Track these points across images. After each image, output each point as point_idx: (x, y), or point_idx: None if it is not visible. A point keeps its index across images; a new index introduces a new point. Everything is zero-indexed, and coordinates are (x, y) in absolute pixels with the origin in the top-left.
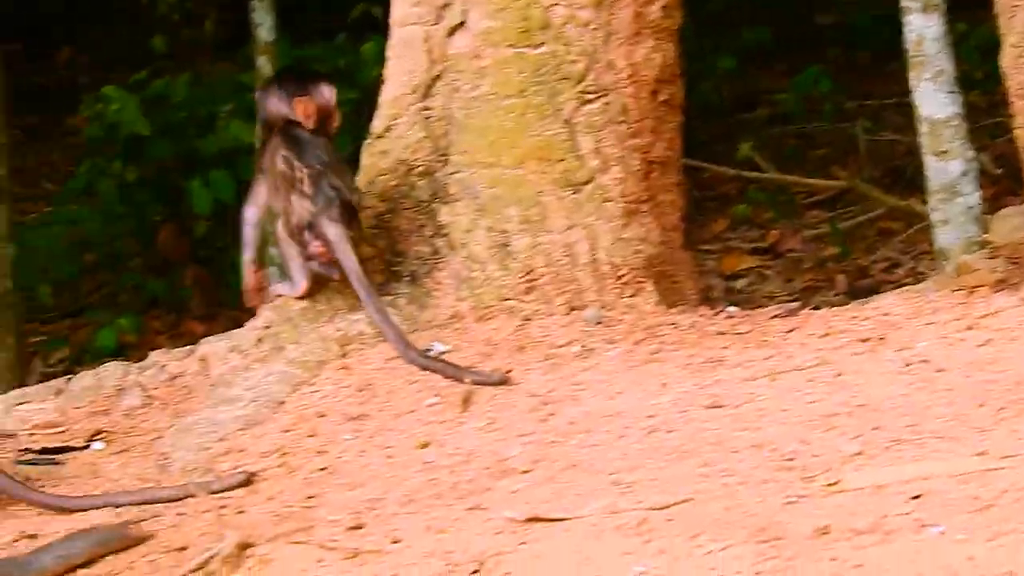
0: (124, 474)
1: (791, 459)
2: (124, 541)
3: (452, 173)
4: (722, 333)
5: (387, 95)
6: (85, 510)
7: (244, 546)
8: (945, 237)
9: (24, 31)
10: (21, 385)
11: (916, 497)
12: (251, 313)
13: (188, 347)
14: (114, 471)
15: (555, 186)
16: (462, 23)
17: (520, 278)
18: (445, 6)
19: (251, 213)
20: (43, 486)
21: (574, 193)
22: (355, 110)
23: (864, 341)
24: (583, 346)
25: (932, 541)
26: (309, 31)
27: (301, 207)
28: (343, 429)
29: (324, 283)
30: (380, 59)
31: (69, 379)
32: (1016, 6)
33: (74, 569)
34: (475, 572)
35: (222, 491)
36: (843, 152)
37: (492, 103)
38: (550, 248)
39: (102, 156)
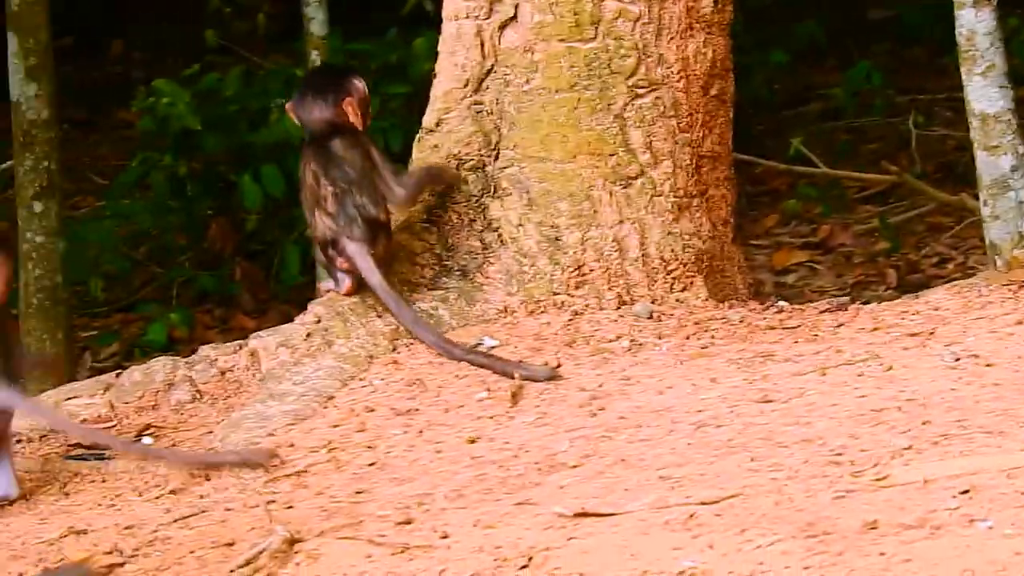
0: (172, 469)
1: (840, 454)
2: None
3: (503, 168)
4: (772, 328)
5: (438, 90)
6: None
7: (292, 541)
8: (995, 232)
9: (75, 25)
10: (71, 380)
11: (965, 492)
12: (301, 308)
13: (238, 342)
14: (161, 466)
15: (606, 180)
16: (514, 17)
17: (570, 273)
18: (497, 0)
19: None
20: (92, 480)
21: (625, 187)
22: (406, 105)
23: (914, 336)
24: (633, 341)
25: (980, 536)
26: (361, 25)
27: (324, 224)
28: (392, 424)
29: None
30: (432, 54)
31: (119, 374)
32: None
33: None
34: (524, 567)
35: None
36: (894, 147)
37: (543, 97)
38: (600, 243)
39: (153, 150)
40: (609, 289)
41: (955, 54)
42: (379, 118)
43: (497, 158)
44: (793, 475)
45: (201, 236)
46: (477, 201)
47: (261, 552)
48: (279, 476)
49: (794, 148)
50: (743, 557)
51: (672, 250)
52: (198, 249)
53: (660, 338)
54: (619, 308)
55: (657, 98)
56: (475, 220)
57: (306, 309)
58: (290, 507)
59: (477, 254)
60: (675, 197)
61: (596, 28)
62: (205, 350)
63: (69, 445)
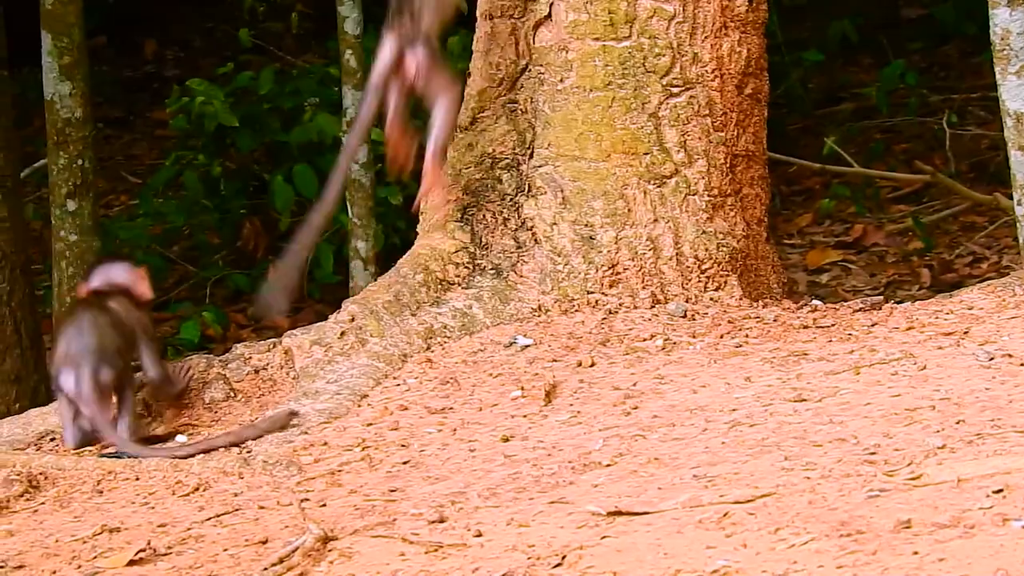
0: (206, 467)
1: (874, 453)
2: None
3: (537, 166)
4: (805, 327)
5: (473, 88)
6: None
7: (326, 539)
8: None
9: (110, 25)
10: None
11: (998, 491)
12: (335, 307)
13: (272, 340)
14: (196, 464)
15: (640, 179)
16: (548, 16)
17: (604, 271)
18: None
19: None
20: (126, 478)
21: (659, 186)
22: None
23: (947, 335)
24: (667, 339)
25: (1014, 535)
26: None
27: None
28: (426, 422)
29: None
30: (466, 52)
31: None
32: None
33: None
34: (557, 566)
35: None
36: (927, 146)
37: (578, 96)
38: (635, 241)
39: (187, 149)
40: (643, 288)
41: (989, 53)
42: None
43: (531, 157)
44: (827, 474)
45: (234, 235)
46: (511, 200)
47: (295, 550)
48: (313, 475)
49: (828, 147)
50: (776, 556)
51: (706, 249)
52: (231, 248)
53: (694, 337)
54: (653, 307)
55: (691, 97)
56: (509, 219)
57: (340, 308)
58: (324, 505)
59: (511, 253)
60: (709, 196)
61: (630, 27)
62: (239, 348)
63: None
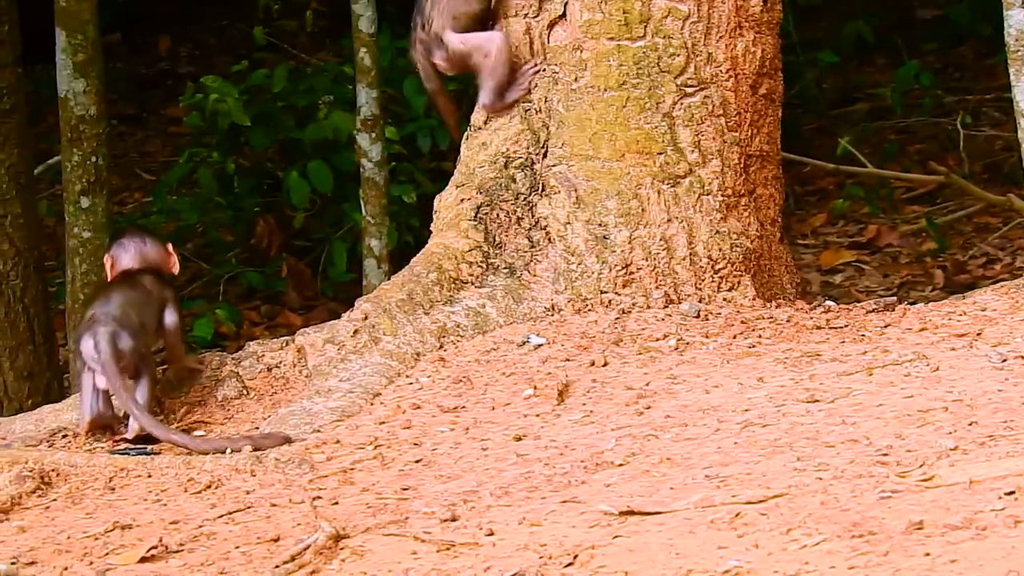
0: (218, 465)
1: (886, 454)
2: None
3: (551, 166)
4: (818, 327)
5: None
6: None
7: (338, 538)
8: None
9: (124, 22)
10: None
11: (1011, 493)
12: (348, 305)
13: (284, 338)
14: (208, 461)
15: (654, 179)
16: (563, 15)
17: (618, 271)
18: None
19: None
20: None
21: (673, 186)
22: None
23: (960, 336)
24: (680, 339)
25: None
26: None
27: None
28: (438, 421)
29: None
30: None
31: (165, 369)
32: None
33: None
34: (569, 565)
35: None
36: (942, 147)
37: (592, 95)
38: (648, 241)
39: (201, 146)
40: (656, 288)
41: (1003, 54)
42: (428, 116)
43: (545, 156)
44: (839, 475)
45: (248, 233)
46: (525, 199)
47: (306, 548)
48: (325, 473)
49: (842, 147)
50: (788, 556)
51: (720, 249)
52: (245, 246)
53: (707, 337)
54: (666, 307)
55: (706, 97)
56: (523, 218)
57: (353, 306)
58: (336, 503)
59: (525, 252)
60: (723, 196)
61: (645, 26)
62: (252, 346)
63: (115, 439)
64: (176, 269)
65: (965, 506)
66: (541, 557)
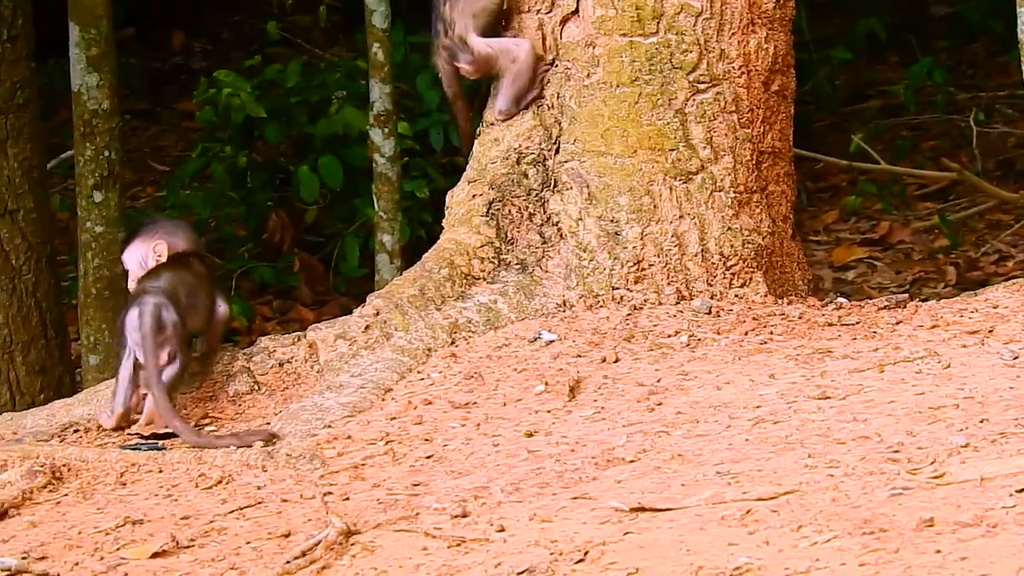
0: (229, 460)
1: (897, 451)
2: None
3: (563, 162)
4: (830, 324)
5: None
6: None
7: (349, 533)
8: None
9: (138, 16)
10: None
11: (1021, 490)
12: (360, 300)
13: (296, 333)
14: (219, 456)
15: (666, 175)
16: (575, 11)
17: (629, 267)
18: None
19: None
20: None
21: (685, 183)
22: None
23: (972, 334)
24: (691, 336)
25: None
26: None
27: None
28: (450, 417)
29: None
30: None
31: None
32: None
33: None
34: (579, 561)
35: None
36: (954, 144)
37: (604, 92)
38: (660, 237)
39: (214, 141)
40: (668, 284)
41: (1016, 51)
42: (440, 111)
43: (557, 152)
44: (850, 472)
45: (261, 227)
46: (537, 195)
47: (317, 543)
48: (336, 468)
49: (855, 144)
50: (799, 553)
51: (732, 246)
52: (257, 240)
53: (719, 333)
54: (678, 303)
55: (718, 93)
56: (535, 214)
57: (365, 301)
58: (347, 499)
59: (536, 248)
60: (735, 193)
61: (658, 23)
62: (263, 341)
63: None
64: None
65: (976, 503)
66: (552, 553)
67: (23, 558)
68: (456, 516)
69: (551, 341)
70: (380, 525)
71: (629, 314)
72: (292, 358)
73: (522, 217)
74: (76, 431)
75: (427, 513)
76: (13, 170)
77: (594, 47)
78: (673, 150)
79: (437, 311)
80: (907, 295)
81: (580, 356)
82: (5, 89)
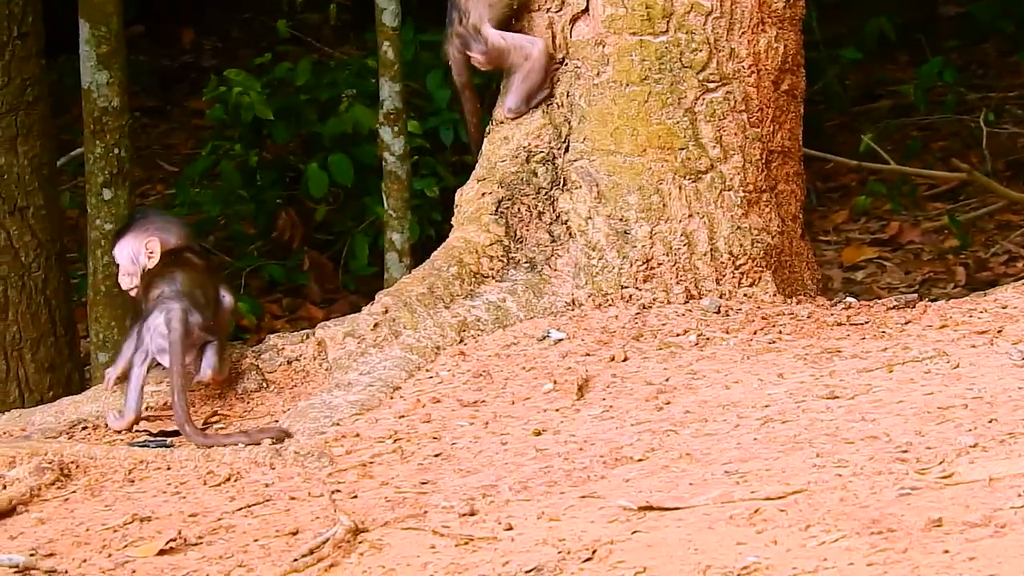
0: (237, 458)
1: (905, 451)
2: None
3: (573, 160)
4: (839, 324)
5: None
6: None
7: (356, 531)
8: None
9: (148, 14)
10: None
11: None
12: (369, 298)
13: (305, 331)
14: (227, 454)
15: (675, 174)
16: (585, 10)
17: (639, 266)
18: None
19: None
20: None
21: (694, 182)
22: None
23: (981, 334)
24: (700, 335)
25: None
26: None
27: None
28: (458, 415)
29: None
30: None
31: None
32: None
33: None
34: (587, 560)
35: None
36: (964, 144)
37: (614, 90)
38: (669, 236)
39: (224, 139)
40: (677, 283)
41: None
42: (450, 110)
43: (567, 151)
44: (858, 472)
45: (270, 226)
46: (546, 194)
47: (325, 541)
48: (345, 466)
49: (865, 144)
50: (807, 553)
51: (741, 245)
52: (267, 239)
53: (727, 333)
54: (687, 302)
55: (728, 93)
56: (544, 213)
57: (374, 299)
58: (355, 497)
59: (546, 247)
60: (744, 192)
61: (668, 22)
62: (272, 339)
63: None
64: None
65: (984, 503)
66: (560, 552)
67: (31, 555)
68: (464, 514)
69: (560, 340)
70: (388, 523)
71: (638, 313)
72: (301, 356)
73: (531, 215)
74: (84, 428)
75: (435, 511)
76: (23, 167)
77: (604, 46)
78: (683, 149)
79: (446, 309)
80: (916, 295)
81: (589, 355)
82: (15, 86)
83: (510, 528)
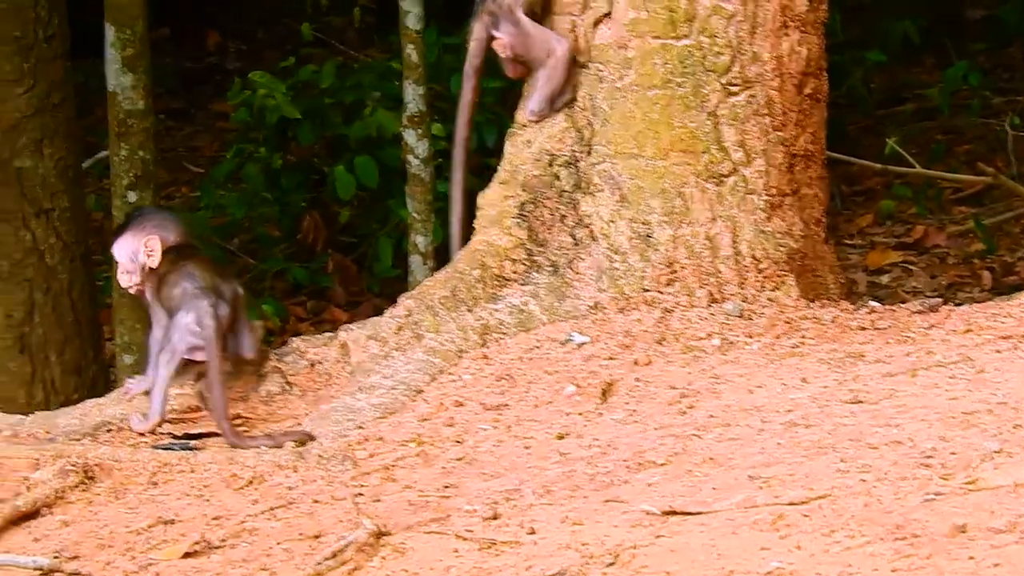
0: (260, 461)
1: (930, 456)
2: None
3: (595, 163)
4: (863, 328)
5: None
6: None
7: (379, 535)
8: None
9: (173, 17)
10: None
11: None
12: (393, 301)
13: (328, 334)
14: (251, 457)
15: (698, 178)
16: (608, 13)
17: (661, 270)
18: None
19: None
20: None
21: (717, 185)
22: (500, 100)
23: (1006, 339)
24: (723, 339)
25: None
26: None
27: None
28: (481, 419)
29: None
30: None
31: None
32: None
33: None
34: (610, 564)
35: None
36: (990, 148)
37: (637, 94)
38: (692, 240)
39: (248, 142)
40: (700, 287)
41: None
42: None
43: (589, 154)
44: (882, 477)
45: (294, 228)
46: (569, 197)
47: (348, 545)
48: (368, 470)
49: (889, 147)
50: (831, 558)
51: (764, 248)
52: (291, 241)
53: (751, 337)
54: (710, 306)
55: (751, 96)
56: (566, 216)
57: (397, 302)
58: (378, 500)
59: (568, 250)
60: (767, 195)
61: (690, 25)
62: (295, 342)
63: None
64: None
65: (1009, 509)
66: (583, 556)
67: (55, 557)
68: (487, 518)
69: (583, 343)
70: (411, 527)
71: (661, 317)
72: (324, 359)
73: (554, 219)
74: (109, 430)
75: (458, 515)
76: (48, 170)
77: (626, 49)
78: (705, 152)
79: (469, 312)
80: (940, 299)
81: (612, 359)
82: (41, 89)
83: (533, 532)
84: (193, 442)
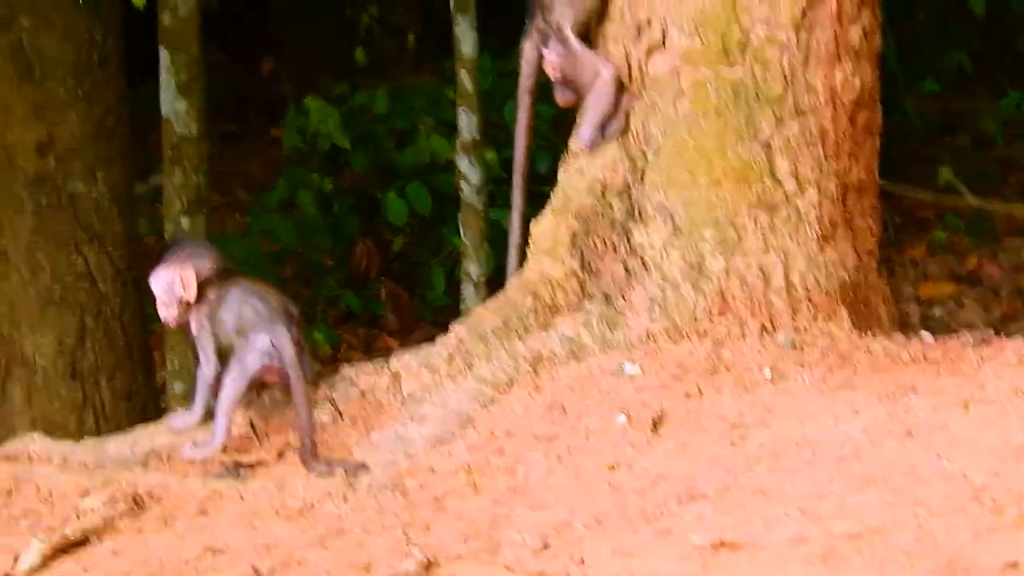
0: (310, 490)
1: (982, 490)
2: None
3: (648, 193)
4: (915, 361)
5: None
6: None
7: (429, 565)
8: None
9: (229, 42)
10: None
11: None
12: (446, 329)
13: (378, 362)
14: (300, 486)
15: (751, 208)
16: (662, 42)
17: (714, 300)
18: (645, 24)
19: None
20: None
21: (770, 215)
22: (553, 127)
23: None
24: (775, 370)
25: None
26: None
27: None
28: (532, 448)
29: None
30: None
31: (259, 392)
32: None
33: None
34: None
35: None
36: None
37: (689, 123)
38: (744, 270)
39: (301, 168)
40: (752, 318)
41: None
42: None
43: (642, 183)
44: (934, 511)
45: (347, 255)
46: (621, 226)
47: (397, 574)
48: (418, 500)
49: (943, 178)
50: None
51: (816, 279)
52: (344, 268)
53: (802, 368)
54: (762, 337)
55: (804, 126)
56: (619, 246)
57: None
58: (428, 530)
59: (620, 280)
60: (820, 226)
61: (743, 54)
62: (346, 370)
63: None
64: None
65: None
66: None
67: None
68: (537, 549)
69: (634, 374)
70: (461, 557)
71: (712, 347)
72: (375, 387)
73: (606, 248)
74: (159, 458)
75: (508, 545)
76: (101, 194)
77: (679, 78)
78: (758, 182)
79: (520, 341)
80: (992, 332)
81: (663, 389)
82: (95, 113)
83: (583, 563)
84: (243, 470)
